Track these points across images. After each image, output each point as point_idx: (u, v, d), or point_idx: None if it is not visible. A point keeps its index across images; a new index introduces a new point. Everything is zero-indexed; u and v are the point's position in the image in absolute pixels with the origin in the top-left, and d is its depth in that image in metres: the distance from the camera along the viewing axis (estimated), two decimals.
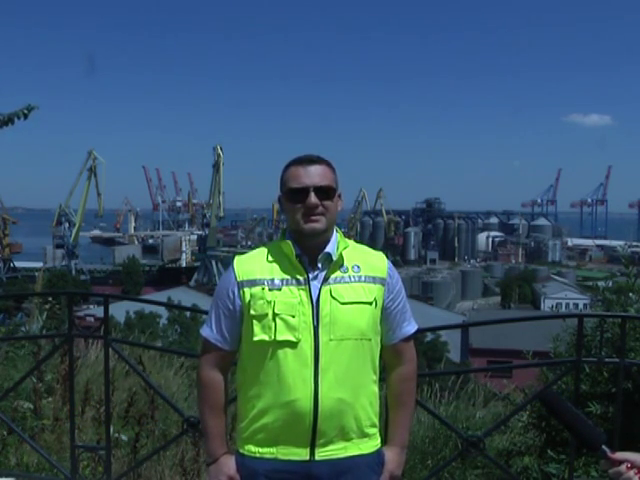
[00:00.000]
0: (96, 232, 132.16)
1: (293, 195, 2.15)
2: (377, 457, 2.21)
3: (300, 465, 2.09)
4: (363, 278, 2.16)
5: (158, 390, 4.02)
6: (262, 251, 2.23)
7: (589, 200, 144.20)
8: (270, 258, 2.18)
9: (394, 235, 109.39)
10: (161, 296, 46.30)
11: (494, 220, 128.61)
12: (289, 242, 2.16)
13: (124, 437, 4.38)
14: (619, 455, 1.66)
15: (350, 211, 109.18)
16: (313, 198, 2.11)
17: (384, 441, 2.30)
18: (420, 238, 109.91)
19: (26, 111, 5.64)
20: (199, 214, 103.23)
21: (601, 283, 4.71)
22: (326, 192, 2.14)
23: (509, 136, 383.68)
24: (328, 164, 2.20)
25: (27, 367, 5.30)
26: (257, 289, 2.12)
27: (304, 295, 2.10)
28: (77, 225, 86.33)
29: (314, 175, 2.13)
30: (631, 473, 1.62)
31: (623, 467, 1.64)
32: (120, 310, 32.42)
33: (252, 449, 2.15)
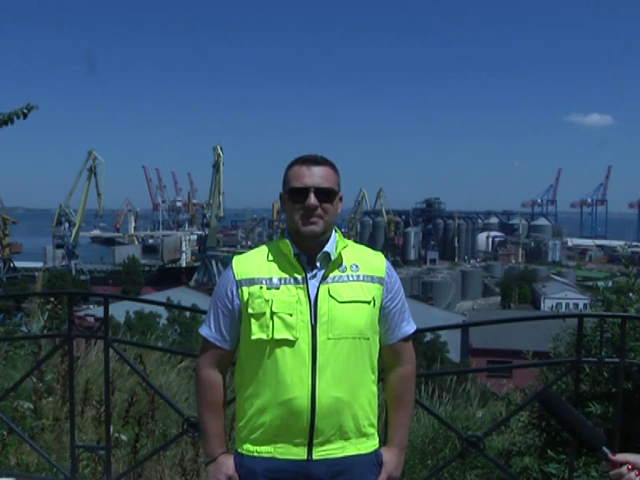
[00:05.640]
0: (96, 232, 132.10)
1: (294, 194, 2.14)
2: (375, 457, 2.21)
3: (298, 464, 2.09)
4: (362, 277, 2.16)
5: (158, 390, 4.01)
6: (261, 250, 2.23)
7: (589, 200, 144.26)
8: (269, 257, 2.18)
9: (394, 235, 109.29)
10: (161, 296, 46.20)
11: (494, 220, 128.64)
12: (287, 241, 2.16)
13: (124, 437, 4.37)
14: (620, 457, 1.66)
15: (350, 211, 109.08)
16: (313, 199, 2.11)
17: (383, 442, 2.30)
18: (420, 238, 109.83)
19: (26, 110, 5.61)
20: (199, 214, 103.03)
21: (601, 283, 4.71)
22: (327, 194, 2.14)
23: (509, 136, 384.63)
24: (332, 166, 2.20)
25: (27, 367, 5.30)
26: (255, 288, 2.12)
27: (302, 294, 2.10)
28: (77, 225, 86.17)
29: (316, 176, 2.13)
30: (632, 474, 1.62)
31: (624, 469, 1.63)
32: (120, 310, 32.35)
33: (250, 448, 2.15)
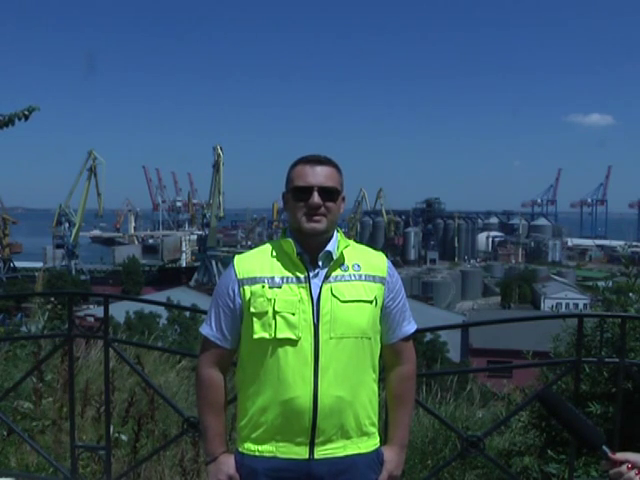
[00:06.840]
0: (96, 232, 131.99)
1: (297, 193, 2.16)
2: (376, 456, 2.22)
3: (299, 464, 2.09)
4: (363, 277, 2.17)
5: (158, 390, 4.01)
6: (263, 249, 2.24)
7: (589, 200, 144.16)
8: (271, 256, 2.18)
9: (394, 235, 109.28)
10: (161, 296, 46.18)
11: (494, 220, 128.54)
12: (290, 240, 2.16)
13: (124, 437, 4.37)
14: (620, 456, 1.66)
15: (350, 211, 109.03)
16: (316, 198, 2.12)
17: (384, 440, 2.30)
18: (420, 238, 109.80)
19: (27, 112, 5.61)
20: (199, 214, 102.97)
21: (601, 283, 4.69)
22: (330, 193, 2.15)
23: (509, 136, 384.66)
24: (335, 166, 2.22)
25: (27, 367, 5.30)
26: (257, 287, 2.13)
27: (304, 293, 2.11)
28: (77, 225, 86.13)
29: (320, 175, 2.15)
30: (632, 473, 1.63)
31: (624, 467, 1.64)
32: (120, 310, 32.35)
33: (252, 447, 2.15)
